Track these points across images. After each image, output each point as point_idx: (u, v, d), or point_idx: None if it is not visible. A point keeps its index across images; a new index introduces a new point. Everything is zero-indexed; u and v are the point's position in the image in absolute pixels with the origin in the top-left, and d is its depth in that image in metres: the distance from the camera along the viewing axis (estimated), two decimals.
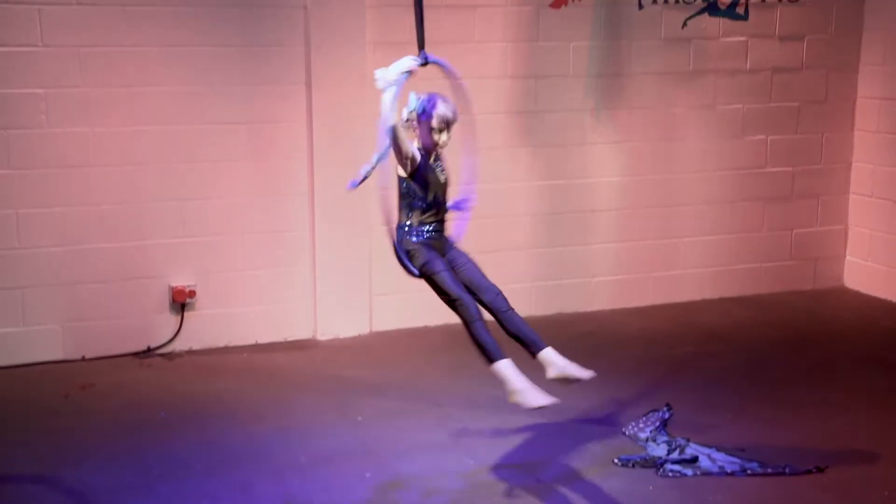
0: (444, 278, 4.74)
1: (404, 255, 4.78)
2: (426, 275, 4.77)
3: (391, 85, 4.54)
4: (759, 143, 7.87)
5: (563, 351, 6.69)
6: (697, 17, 7.53)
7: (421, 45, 4.77)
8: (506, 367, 4.71)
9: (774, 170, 7.95)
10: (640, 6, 7.37)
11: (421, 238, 4.80)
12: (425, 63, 4.75)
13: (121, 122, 6.37)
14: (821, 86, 7.93)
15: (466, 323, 4.74)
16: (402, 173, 4.77)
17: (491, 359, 4.72)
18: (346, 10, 6.64)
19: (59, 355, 6.44)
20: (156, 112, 6.43)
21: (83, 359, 6.48)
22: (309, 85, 6.65)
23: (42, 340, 6.40)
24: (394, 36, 6.80)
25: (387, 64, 6.75)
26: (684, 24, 7.50)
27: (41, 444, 5.25)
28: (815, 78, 7.91)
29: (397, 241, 4.80)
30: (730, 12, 7.61)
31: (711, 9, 7.55)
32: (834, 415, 5.64)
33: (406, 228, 4.80)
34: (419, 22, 4.79)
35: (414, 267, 4.76)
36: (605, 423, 5.49)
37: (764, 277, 8.04)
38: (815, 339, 7.01)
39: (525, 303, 7.43)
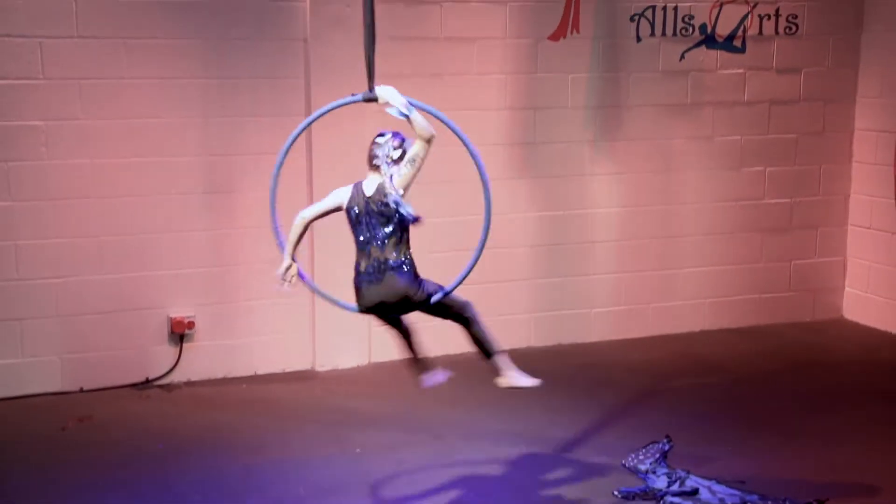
0: None
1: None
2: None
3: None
4: (758, 175, 7.89)
5: (564, 383, 6.70)
6: (695, 50, 7.57)
7: (370, 80, 4.88)
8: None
9: (773, 201, 7.96)
10: (638, 39, 7.42)
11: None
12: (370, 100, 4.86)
13: (120, 154, 6.38)
14: (818, 118, 7.96)
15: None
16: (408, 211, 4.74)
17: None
18: (345, 43, 6.67)
19: (57, 387, 6.42)
20: (155, 144, 6.45)
21: (81, 390, 6.46)
22: (307, 116, 6.66)
23: (40, 372, 6.38)
24: (393, 69, 6.83)
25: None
26: (682, 57, 7.54)
27: (38, 477, 5.22)
28: (813, 110, 7.94)
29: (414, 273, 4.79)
30: (727, 45, 7.65)
31: (709, 41, 7.60)
32: (834, 446, 5.62)
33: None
34: (370, 56, 4.86)
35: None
36: (604, 454, 5.47)
37: (763, 309, 8.04)
38: (815, 370, 7.00)
39: (524, 334, 7.45)
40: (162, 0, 6.34)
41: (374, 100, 4.84)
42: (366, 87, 4.86)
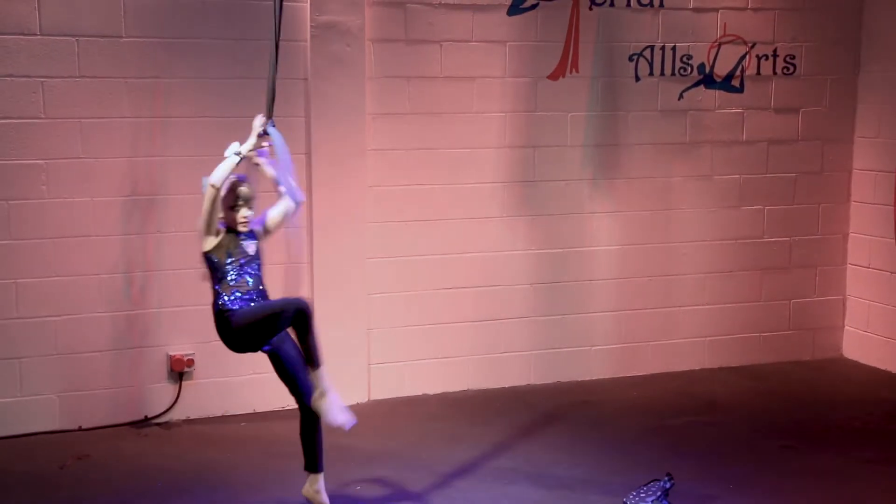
0: None
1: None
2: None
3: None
4: (757, 213, 7.92)
5: (564, 420, 6.68)
6: (693, 89, 7.62)
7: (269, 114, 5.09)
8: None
9: (772, 240, 7.98)
10: (637, 78, 7.47)
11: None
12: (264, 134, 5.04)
13: (120, 192, 6.41)
14: (816, 157, 8.00)
15: None
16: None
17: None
18: (345, 81, 6.72)
19: (55, 425, 6.40)
20: (155, 182, 6.47)
21: (80, 429, 6.44)
22: (309, 154, 6.71)
23: (39, 410, 6.36)
24: (393, 107, 6.89)
25: (384, 134, 6.86)
26: (680, 96, 7.60)
27: None
28: (811, 149, 7.98)
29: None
30: (725, 85, 7.71)
31: (707, 81, 7.65)
32: (835, 485, 5.60)
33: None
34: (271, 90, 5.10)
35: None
36: (605, 492, 5.44)
37: (763, 347, 8.03)
38: (815, 409, 6.98)
39: (523, 371, 7.44)
40: (163, 41, 6.39)
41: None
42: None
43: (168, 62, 6.41)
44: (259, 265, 4.98)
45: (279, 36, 5.13)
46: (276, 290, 6.76)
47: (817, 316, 8.17)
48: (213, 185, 4.81)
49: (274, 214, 5.09)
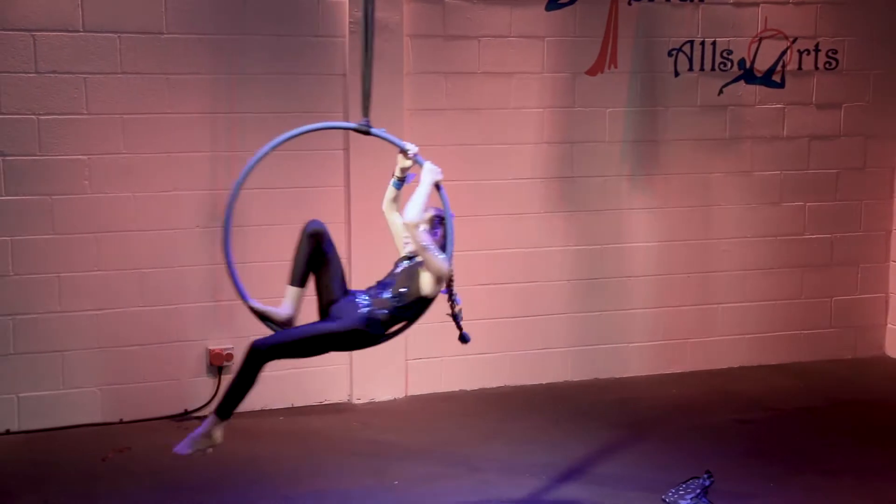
0: None
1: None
2: None
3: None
4: (797, 210, 7.84)
5: (601, 417, 6.67)
6: (733, 85, 7.56)
7: (366, 112, 4.98)
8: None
9: (813, 236, 7.90)
10: (677, 74, 7.42)
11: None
12: (367, 132, 4.95)
13: (162, 187, 6.46)
14: (859, 153, 7.91)
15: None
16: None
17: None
18: (384, 77, 6.72)
19: (97, 418, 6.47)
20: (196, 177, 6.52)
21: (121, 422, 6.50)
22: (347, 150, 6.74)
23: (81, 403, 6.43)
24: (430, 103, 6.89)
25: (422, 130, 6.85)
26: (720, 92, 7.54)
27: None
28: (853, 145, 7.89)
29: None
30: (766, 80, 7.64)
31: (748, 76, 7.59)
32: (878, 484, 5.54)
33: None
34: (367, 88, 4.96)
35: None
36: (644, 489, 5.42)
37: (803, 345, 7.96)
38: (857, 407, 6.90)
39: (561, 368, 7.42)
40: (203, 37, 6.44)
41: (367, 132, 4.96)
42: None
43: (208, 59, 6.46)
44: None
45: (372, 33, 5.04)
46: (314, 286, 6.80)
47: (859, 313, 8.08)
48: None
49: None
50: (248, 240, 6.66)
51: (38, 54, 6.15)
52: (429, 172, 4.79)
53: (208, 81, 6.48)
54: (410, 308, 4.78)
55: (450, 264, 4.75)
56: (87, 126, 6.29)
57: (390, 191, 5.02)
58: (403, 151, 4.92)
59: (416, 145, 4.99)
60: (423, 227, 4.74)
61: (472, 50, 6.98)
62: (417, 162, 4.89)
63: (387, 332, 4.81)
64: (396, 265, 4.90)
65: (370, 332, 4.70)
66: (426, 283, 4.74)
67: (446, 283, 4.78)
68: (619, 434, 6.32)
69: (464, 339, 4.90)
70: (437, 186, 4.82)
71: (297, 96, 6.68)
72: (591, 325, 7.45)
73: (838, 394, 7.21)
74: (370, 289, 4.83)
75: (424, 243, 4.67)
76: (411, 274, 4.77)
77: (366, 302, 4.73)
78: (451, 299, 4.85)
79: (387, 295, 4.75)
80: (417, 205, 4.67)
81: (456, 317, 4.87)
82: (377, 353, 6.90)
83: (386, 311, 4.72)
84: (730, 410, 6.81)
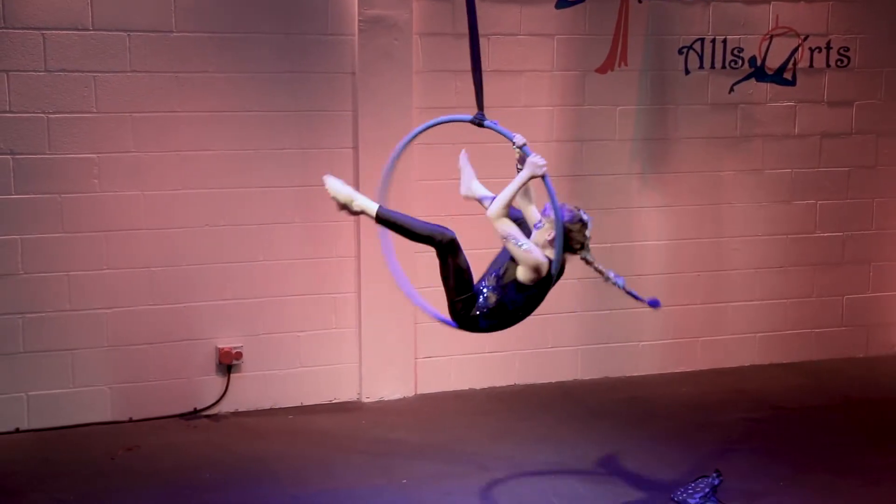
0: None
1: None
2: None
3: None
4: (809, 208, 7.81)
5: (611, 416, 6.67)
6: (744, 83, 7.53)
7: (480, 106, 5.04)
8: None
9: (824, 235, 7.87)
10: (687, 71, 7.40)
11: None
12: (481, 124, 4.99)
13: (171, 186, 6.47)
14: (871, 151, 7.87)
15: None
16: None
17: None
18: (393, 76, 6.73)
19: (106, 416, 6.48)
20: (205, 176, 6.52)
21: (130, 420, 6.51)
22: (356, 149, 6.73)
23: (91, 401, 6.44)
24: (440, 101, 6.88)
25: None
26: (731, 90, 7.51)
27: None
28: (865, 143, 7.85)
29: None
30: (777, 78, 7.61)
31: (758, 74, 7.56)
32: (889, 483, 5.52)
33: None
34: (478, 82, 5.03)
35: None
36: (653, 488, 5.41)
37: (815, 344, 7.92)
38: (868, 406, 6.87)
39: (571, 366, 7.41)
40: (212, 35, 6.44)
41: (480, 124, 5.04)
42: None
43: (217, 57, 6.46)
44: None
45: (476, 30, 5.13)
46: (324, 284, 6.82)
47: (871, 312, 8.04)
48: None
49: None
50: (256, 239, 6.67)
51: (47, 53, 6.16)
52: (529, 166, 4.87)
53: (217, 80, 6.48)
54: (509, 290, 4.90)
55: (544, 255, 4.89)
56: (96, 124, 6.30)
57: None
58: (511, 142, 4.93)
59: (523, 137, 4.98)
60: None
61: (482, 48, 6.93)
62: (524, 153, 4.90)
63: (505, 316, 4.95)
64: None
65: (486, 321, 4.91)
66: (519, 270, 4.88)
67: (547, 271, 4.91)
68: (628, 433, 6.31)
69: (653, 304, 4.98)
70: (544, 178, 4.84)
71: (307, 95, 6.68)
72: (601, 323, 7.43)
73: (850, 392, 7.18)
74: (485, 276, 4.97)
75: (504, 234, 4.82)
76: (509, 258, 4.91)
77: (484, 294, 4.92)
78: (605, 278, 5.00)
79: (491, 280, 4.94)
80: (502, 199, 4.85)
81: (626, 291, 4.97)
82: (386, 352, 6.93)
83: (494, 296, 4.90)
84: (740, 409, 6.79)
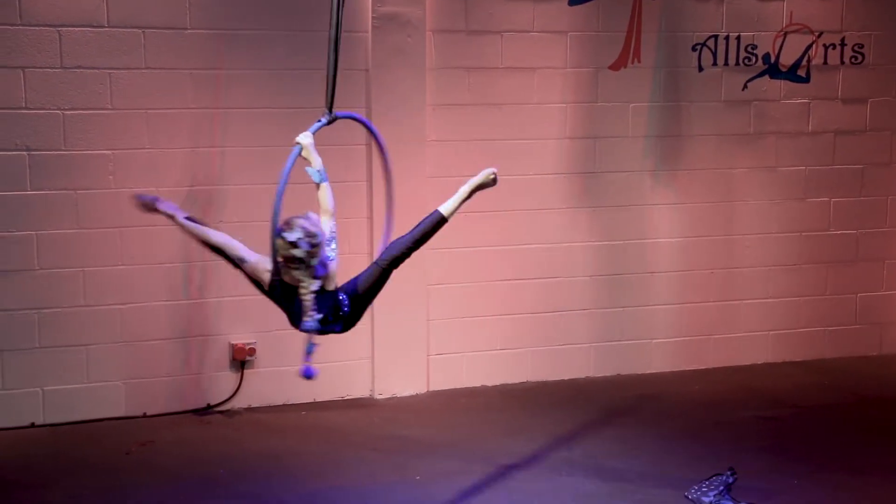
0: None
1: None
2: None
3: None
4: (822, 206, 7.79)
5: (623, 413, 6.65)
6: (758, 80, 7.52)
7: (330, 104, 4.92)
8: None
9: (838, 232, 7.85)
10: (700, 68, 7.38)
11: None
12: (333, 120, 4.92)
13: (184, 182, 6.49)
14: (885, 148, 7.85)
15: None
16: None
17: None
18: (406, 73, 6.74)
19: (121, 412, 6.51)
20: (218, 172, 6.54)
21: (144, 415, 6.54)
22: (369, 145, 6.74)
23: (105, 397, 6.47)
24: (453, 98, 6.89)
25: (444, 125, 6.84)
26: (745, 87, 7.49)
27: (101, 501, 5.29)
28: (880, 140, 7.83)
29: None
30: (791, 75, 7.59)
31: (772, 71, 7.54)
32: None
33: None
34: (331, 79, 4.87)
35: None
36: (666, 485, 5.39)
37: (828, 342, 7.90)
38: (882, 404, 6.85)
39: (583, 364, 7.41)
40: (226, 32, 6.46)
41: (335, 120, 4.96)
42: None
43: (231, 54, 6.48)
44: None
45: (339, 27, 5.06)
46: (338, 279, 6.82)
47: (885, 310, 8.01)
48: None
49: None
50: (265, 235, 6.66)
51: (63, 49, 6.18)
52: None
53: (231, 76, 6.50)
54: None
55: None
56: (111, 121, 6.32)
57: None
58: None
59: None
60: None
61: (495, 45, 6.97)
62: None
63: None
64: None
65: None
66: None
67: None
68: (641, 430, 6.30)
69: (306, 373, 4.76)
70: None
71: (320, 92, 6.63)
72: (613, 320, 7.43)
73: (863, 391, 7.16)
74: None
75: None
76: None
77: None
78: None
79: None
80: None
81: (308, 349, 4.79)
82: (399, 349, 6.94)
83: None
84: (753, 407, 6.77)
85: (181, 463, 5.80)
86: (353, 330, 6.86)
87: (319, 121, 4.93)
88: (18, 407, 6.32)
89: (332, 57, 4.92)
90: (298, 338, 6.78)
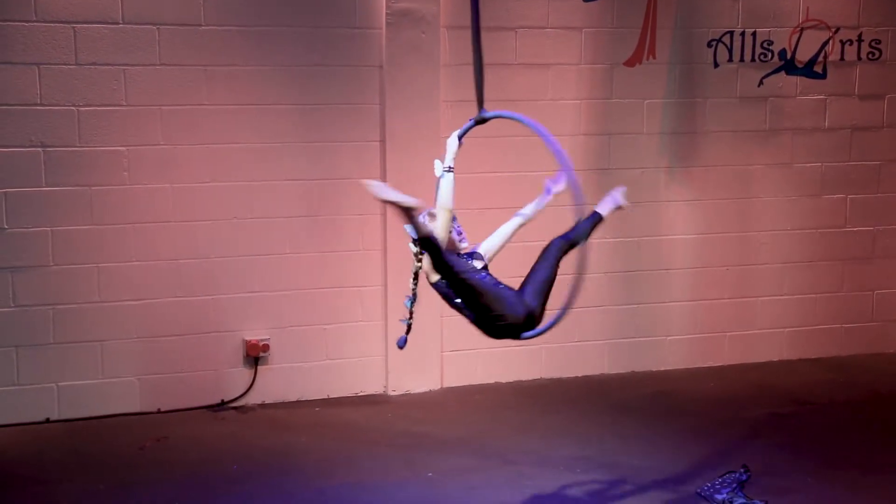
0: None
1: None
2: None
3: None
4: (839, 202, 7.74)
5: (638, 410, 6.64)
6: (774, 76, 7.48)
7: (480, 103, 4.92)
8: None
9: (855, 229, 7.80)
10: (716, 65, 7.35)
11: None
12: (483, 121, 4.90)
13: (199, 179, 6.50)
14: None
15: None
16: None
17: None
18: (420, 69, 6.73)
19: (135, 407, 6.53)
20: (233, 168, 6.55)
21: (158, 411, 6.56)
22: (383, 142, 6.74)
23: (119, 393, 6.49)
24: (467, 94, 6.85)
25: (458, 121, 6.83)
26: (760, 83, 7.46)
27: (116, 496, 5.31)
28: None
29: None
30: (807, 71, 7.54)
31: (788, 67, 7.50)
32: None
33: None
34: (479, 78, 4.89)
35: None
36: (680, 483, 5.38)
37: (844, 339, 7.86)
38: None
39: (598, 361, 7.39)
40: (240, 29, 6.47)
41: (485, 121, 5.01)
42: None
43: (245, 50, 6.48)
44: None
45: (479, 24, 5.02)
46: (351, 277, 6.84)
47: None
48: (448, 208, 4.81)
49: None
50: (284, 231, 6.69)
51: (78, 46, 6.20)
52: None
53: (246, 73, 6.51)
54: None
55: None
56: (125, 117, 6.34)
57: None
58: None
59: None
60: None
61: (510, 41, 6.95)
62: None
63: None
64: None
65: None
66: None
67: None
68: (655, 427, 6.29)
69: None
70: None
71: (334, 88, 6.69)
72: (628, 317, 7.41)
73: (879, 388, 7.12)
74: None
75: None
76: None
77: None
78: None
79: None
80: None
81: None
82: (412, 345, 6.91)
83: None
84: (767, 404, 6.75)
85: (195, 459, 5.81)
86: (366, 325, 6.93)
87: (470, 121, 4.96)
88: (33, 402, 6.35)
89: (476, 56, 4.92)
90: (311, 334, 6.84)
